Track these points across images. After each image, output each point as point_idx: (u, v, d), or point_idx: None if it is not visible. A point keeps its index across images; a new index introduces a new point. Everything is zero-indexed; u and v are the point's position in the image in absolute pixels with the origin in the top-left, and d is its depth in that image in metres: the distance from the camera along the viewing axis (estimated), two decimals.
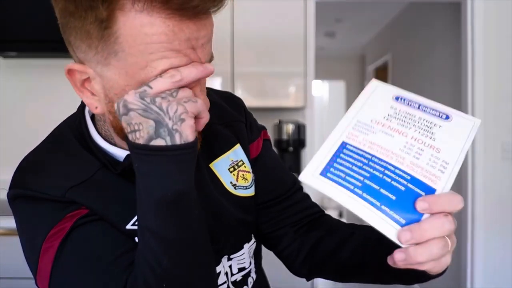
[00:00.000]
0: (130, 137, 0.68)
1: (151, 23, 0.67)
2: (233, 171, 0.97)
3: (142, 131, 0.66)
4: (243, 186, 0.98)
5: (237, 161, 0.99)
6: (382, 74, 6.47)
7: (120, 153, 0.86)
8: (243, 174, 0.98)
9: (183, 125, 0.66)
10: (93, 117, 0.89)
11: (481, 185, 3.03)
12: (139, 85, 0.70)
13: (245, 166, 0.99)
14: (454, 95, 3.54)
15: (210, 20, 0.73)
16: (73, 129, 0.90)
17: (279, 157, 1.11)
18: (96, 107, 0.78)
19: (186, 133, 0.66)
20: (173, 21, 0.67)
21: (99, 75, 0.75)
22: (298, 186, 1.06)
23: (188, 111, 0.67)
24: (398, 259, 0.61)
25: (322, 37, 6.50)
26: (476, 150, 3.02)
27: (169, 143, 0.66)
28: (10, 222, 2.29)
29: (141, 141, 0.67)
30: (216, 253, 0.87)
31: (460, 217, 3.26)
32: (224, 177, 0.96)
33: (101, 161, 0.85)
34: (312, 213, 1.04)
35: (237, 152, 1.00)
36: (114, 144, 0.86)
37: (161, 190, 0.67)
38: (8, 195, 0.89)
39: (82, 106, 0.92)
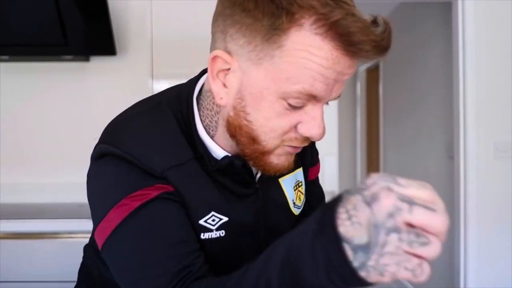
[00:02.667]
0: (336, 220, 0.60)
1: (320, 47, 0.72)
2: (295, 190, 1.02)
3: (355, 235, 0.58)
4: (298, 206, 1.03)
5: (298, 181, 1.04)
6: (373, 75, 6.49)
7: (216, 150, 0.89)
8: (299, 195, 1.03)
9: (374, 275, 0.58)
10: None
11: (474, 185, 3.05)
12: (276, 94, 0.75)
13: (302, 188, 1.04)
14: (446, 95, 3.55)
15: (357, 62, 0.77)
16: (175, 111, 0.91)
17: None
18: (222, 98, 0.82)
19: (370, 277, 0.58)
20: (338, 53, 0.72)
21: (242, 71, 0.79)
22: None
23: (393, 275, 0.57)
24: None
25: None
26: (468, 150, 3.04)
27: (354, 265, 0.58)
28: (10, 226, 2.28)
29: (348, 235, 0.59)
30: None
31: (453, 217, 3.27)
32: (289, 194, 1.01)
33: (198, 152, 0.88)
34: None
35: (299, 173, 1.05)
36: (212, 137, 0.89)
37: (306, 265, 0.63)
38: (100, 149, 0.91)
39: (189, 92, 0.94)
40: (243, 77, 0.79)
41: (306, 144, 0.84)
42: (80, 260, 1.70)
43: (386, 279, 0.57)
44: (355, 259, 0.58)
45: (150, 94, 2.71)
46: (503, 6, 3.03)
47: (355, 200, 0.59)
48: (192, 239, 0.83)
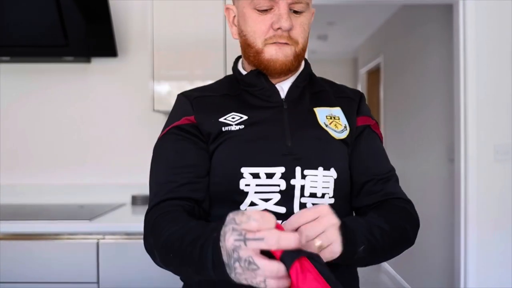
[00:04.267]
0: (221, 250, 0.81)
1: None
2: (329, 119, 1.19)
3: (222, 251, 0.80)
4: (332, 129, 1.18)
5: (335, 116, 1.21)
6: (374, 77, 6.49)
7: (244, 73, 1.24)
8: (335, 123, 1.19)
9: (238, 278, 0.77)
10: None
11: (474, 187, 3.04)
12: (249, 6, 1.13)
13: (339, 120, 1.20)
14: (447, 98, 3.55)
15: None
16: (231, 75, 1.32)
17: (383, 150, 1.28)
18: (234, 34, 1.23)
19: (237, 279, 0.78)
20: None
21: (237, 9, 1.19)
22: (391, 176, 1.22)
23: (248, 282, 0.76)
24: None
25: (315, 40, 6.51)
26: (469, 152, 3.04)
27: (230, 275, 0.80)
28: (11, 227, 2.28)
29: (222, 250, 0.80)
30: (292, 161, 1.11)
31: (453, 219, 3.27)
32: (321, 117, 1.19)
33: (237, 79, 1.26)
34: (389, 198, 1.19)
35: (337, 111, 1.22)
36: (244, 69, 1.26)
37: (206, 259, 0.84)
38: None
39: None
40: (237, 11, 1.19)
41: (284, 40, 1.12)
42: (80, 261, 1.72)
43: (245, 282, 0.77)
44: (225, 265, 0.80)
45: (151, 96, 2.71)
46: (504, 8, 3.03)
47: (223, 231, 0.80)
48: (182, 169, 1.13)
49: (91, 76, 3.01)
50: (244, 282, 0.77)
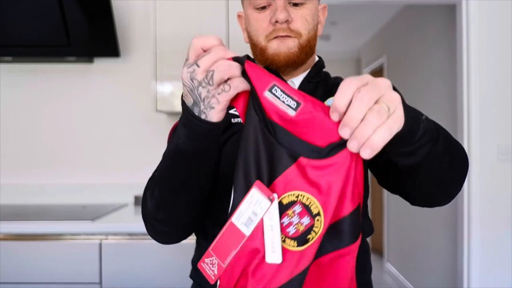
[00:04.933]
0: (183, 95, 0.89)
1: None
2: None
3: (186, 99, 0.87)
4: None
5: None
6: (377, 77, 6.47)
7: None
8: None
9: (211, 111, 0.83)
10: None
11: (478, 187, 3.04)
12: (249, 7, 1.16)
13: None
14: (450, 97, 3.54)
15: None
16: None
17: None
18: (245, 37, 1.26)
19: (211, 116, 0.84)
20: None
21: (244, 16, 1.24)
22: None
23: (220, 101, 0.82)
24: (352, 147, 0.70)
25: (318, 40, 6.50)
26: (472, 152, 3.03)
27: (196, 114, 0.85)
28: (14, 227, 2.28)
29: (187, 102, 0.87)
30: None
31: (456, 219, 3.26)
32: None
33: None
34: None
35: None
36: None
37: (177, 138, 0.91)
38: None
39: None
40: (245, 15, 1.23)
41: (284, 32, 1.13)
42: (83, 261, 1.72)
43: (218, 107, 0.82)
44: (193, 110, 0.85)
45: (153, 96, 2.70)
46: (508, 8, 3.02)
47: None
48: None
49: (94, 76, 3.01)
50: (215, 106, 0.83)
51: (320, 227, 0.79)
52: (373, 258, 5.95)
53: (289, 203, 0.80)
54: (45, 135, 2.99)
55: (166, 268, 2.21)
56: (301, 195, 0.80)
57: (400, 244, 4.93)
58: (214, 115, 0.83)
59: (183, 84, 0.84)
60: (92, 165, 2.95)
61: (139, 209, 2.74)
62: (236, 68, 0.81)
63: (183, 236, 1.09)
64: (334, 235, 0.80)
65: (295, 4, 1.13)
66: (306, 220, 0.80)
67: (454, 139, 0.95)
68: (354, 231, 0.80)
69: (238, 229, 0.81)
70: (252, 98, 0.83)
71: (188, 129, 0.87)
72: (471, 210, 3.05)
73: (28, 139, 3.00)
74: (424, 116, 0.82)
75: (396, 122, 0.70)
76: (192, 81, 0.81)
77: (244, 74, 0.82)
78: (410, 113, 0.77)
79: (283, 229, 0.80)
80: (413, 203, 1.07)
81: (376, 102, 0.70)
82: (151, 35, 2.64)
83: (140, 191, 2.89)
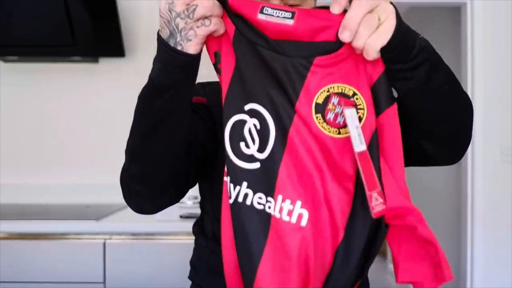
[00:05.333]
0: (159, 30, 0.87)
1: None
2: None
3: (163, 32, 0.85)
4: None
5: None
6: None
7: None
8: None
9: (188, 43, 0.83)
10: None
11: (480, 188, 3.04)
12: None
13: None
14: None
15: None
16: None
17: None
18: None
19: (187, 47, 0.84)
20: None
21: None
22: None
23: (198, 34, 0.83)
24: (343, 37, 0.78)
25: None
26: (475, 153, 3.03)
27: (172, 45, 0.85)
28: (17, 227, 2.29)
29: (162, 35, 0.86)
30: None
31: (459, 220, 3.26)
32: None
33: None
34: None
35: None
36: None
37: (151, 74, 0.91)
38: None
39: None
40: None
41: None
42: (86, 261, 1.72)
43: (195, 40, 0.83)
44: (169, 42, 0.85)
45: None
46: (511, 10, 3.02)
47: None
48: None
49: (99, 76, 3.02)
50: (193, 39, 0.83)
51: (362, 102, 0.85)
52: (376, 259, 5.93)
53: (325, 99, 0.85)
54: (50, 134, 3.00)
55: (171, 268, 2.21)
56: (331, 87, 0.85)
57: None
58: (191, 47, 0.84)
59: (160, 16, 0.84)
60: (96, 165, 2.95)
61: None
62: (218, 8, 0.84)
63: (158, 200, 1.04)
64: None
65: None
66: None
67: (456, 78, 0.94)
68: (388, 92, 0.86)
69: (363, 153, 0.82)
70: (241, 32, 0.87)
71: (163, 62, 0.87)
72: (474, 210, 3.05)
73: (33, 139, 3.01)
74: (421, 36, 0.86)
75: (386, 31, 0.78)
76: (170, 12, 0.82)
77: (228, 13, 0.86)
78: (404, 26, 0.82)
79: (332, 123, 0.86)
80: (426, 159, 1.04)
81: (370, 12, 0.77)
82: (156, 34, 2.65)
83: None
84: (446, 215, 3.70)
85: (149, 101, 0.94)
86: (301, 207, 0.86)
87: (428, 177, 4.16)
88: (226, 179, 0.92)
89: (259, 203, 0.89)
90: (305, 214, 0.86)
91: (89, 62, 2.98)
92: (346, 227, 0.87)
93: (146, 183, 1.00)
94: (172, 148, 0.97)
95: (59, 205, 2.81)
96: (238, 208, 0.90)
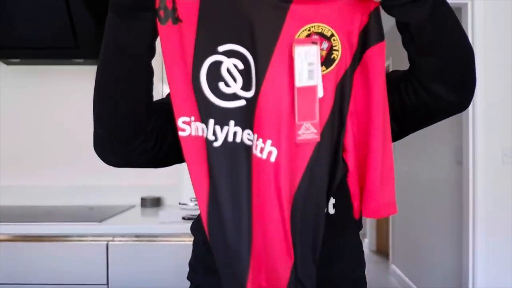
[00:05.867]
0: None
1: None
2: None
3: None
4: None
5: None
6: None
7: None
8: None
9: None
10: None
11: (482, 190, 3.04)
12: None
13: None
14: None
15: None
16: None
17: None
18: None
19: None
20: None
21: None
22: None
23: None
24: None
25: None
26: (477, 155, 3.03)
27: None
28: (20, 229, 2.29)
29: None
30: None
31: (461, 221, 3.27)
32: None
33: None
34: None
35: None
36: None
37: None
38: None
39: None
40: None
41: None
42: (90, 262, 1.71)
43: None
44: None
45: (160, 98, 2.71)
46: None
47: None
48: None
49: None
50: None
51: (338, 44, 0.90)
52: (378, 260, 5.95)
53: (305, 38, 0.89)
54: (53, 136, 3.00)
55: (173, 269, 2.21)
56: (312, 27, 0.89)
57: (405, 246, 4.93)
58: None
59: None
60: (99, 167, 2.93)
61: (146, 210, 2.75)
62: None
63: (121, 148, 1.04)
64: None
65: None
66: (324, 45, 0.89)
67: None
68: (379, 30, 0.94)
69: (307, 87, 0.86)
70: None
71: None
72: (476, 212, 3.05)
73: (35, 141, 3.01)
74: None
75: None
76: None
77: None
78: None
79: None
80: (437, 108, 1.08)
81: None
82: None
83: (147, 193, 2.90)
84: (447, 217, 3.71)
85: (107, 34, 0.96)
86: (271, 145, 0.90)
87: (430, 179, 4.16)
88: (184, 134, 0.94)
89: (248, 139, 0.92)
90: (274, 151, 0.90)
91: (91, 64, 2.98)
92: (309, 160, 0.92)
93: (108, 124, 1.01)
94: (130, 98, 0.98)
95: (62, 207, 2.82)
96: (229, 147, 0.92)
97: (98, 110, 1.01)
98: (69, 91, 3.02)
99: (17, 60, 2.90)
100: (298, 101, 0.86)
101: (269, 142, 0.90)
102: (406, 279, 4.85)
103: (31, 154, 3.00)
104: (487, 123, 3.02)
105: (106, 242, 2.27)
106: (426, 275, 4.30)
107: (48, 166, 2.99)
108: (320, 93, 0.88)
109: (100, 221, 2.35)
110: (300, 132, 0.88)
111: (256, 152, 0.91)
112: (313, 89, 0.86)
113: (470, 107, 3.01)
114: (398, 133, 1.15)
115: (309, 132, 0.88)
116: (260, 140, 0.90)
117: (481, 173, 3.04)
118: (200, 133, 0.93)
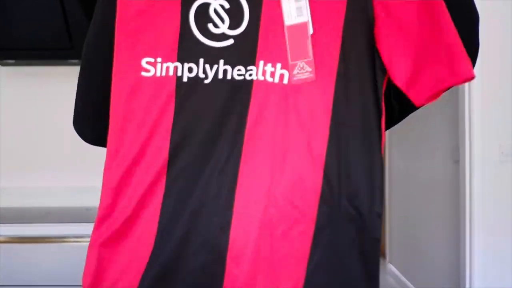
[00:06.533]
0: None
1: None
2: None
3: None
4: None
5: None
6: None
7: None
8: None
9: None
10: None
11: (479, 188, 3.04)
12: None
13: None
14: (451, 98, 3.54)
15: None
16: None
17: None
18: None
19: None
20: None
21: None
22: None
23: None
24: None
25: None
26: (474, 153, 3.03)
27: None
28: (17, 230, 2.29)
29: None
30: None
31: (458, 220, 3.27)
32: None
33: None
34: None
35: None
36: None
37: None
38: None
39: None
40: None
41: None
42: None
43: None
44: None
45: None
46: (511, 9, 3.02)
47: None
48: None
49: None
50: None
51: None
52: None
53: None
54: (49, 137, 3.00)
55: None
56: None
57: (403, 246, 4.93)
58: None
59: None
60: (96, 167, 2.93)
61: None
62: None
63: (97, 121, 1.09)
64: None
65: None
66: None
67: None
68: None
69: (297, 25, 0.88)
70: None
71: None
72: (473, 211, 3.05)
73: (32, 141, 3.01)
74: None
75: None
76: None
77: None
78: None
79: None
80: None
81: None
82: None
83: None
84: (444, 216, 3.71)
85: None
86: (281, 68, 0.93)
87: (426, 177, 4.16)
88: (147, 74, 1.00)
89: (238, 75, 0.95)
90: (286, 74, 0.93)
91: None
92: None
93: (85, 99, 1.14)
94: (107, 71, 1.05)
95: (59, 208, 2.81)
96: (217, 83, 0.95)
97: (79, 83, 1.12)
98: (64, 92, 3.00)
99: (12, 61, 2.90)
100: (289, 40, 0.88)
101: (279, 65, 0.93)
102: (403, 278, 4.85)
103: (27, 155, 2.99)
104: (484, 121, 3.01)
105: None
106: (423, 274, 4.30)
107: (44, 167, 2.98)
108: (311, 29, 0.88)
109: None
110: (294, 72, 0.90)
111: (266, 77, 0.93)
112: (303, 25, 0.88)
113: (467, 104, 3.02)
114: (399, 111, 1.18)
115: (303, 71, 0.89)
116: (269, 64, 0.93)
117: (478, 171, 3.04)
118: (171, 73, 0.96)
